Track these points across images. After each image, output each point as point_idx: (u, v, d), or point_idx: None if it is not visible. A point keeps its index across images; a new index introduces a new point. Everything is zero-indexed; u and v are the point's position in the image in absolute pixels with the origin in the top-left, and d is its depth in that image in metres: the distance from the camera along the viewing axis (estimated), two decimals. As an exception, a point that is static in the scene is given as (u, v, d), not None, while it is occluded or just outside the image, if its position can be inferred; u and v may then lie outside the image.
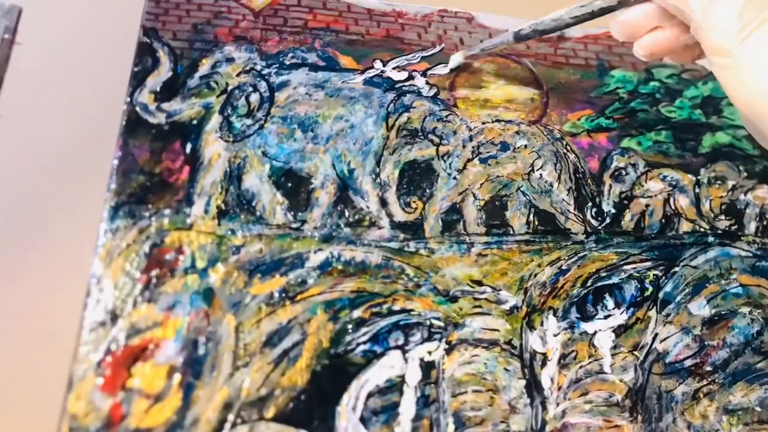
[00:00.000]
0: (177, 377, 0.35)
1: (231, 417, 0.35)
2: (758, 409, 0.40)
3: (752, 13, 0.33)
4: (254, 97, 0.42)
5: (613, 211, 0.44)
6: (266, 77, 0.43)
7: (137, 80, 0.41)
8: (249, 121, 0.42)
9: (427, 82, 0.45)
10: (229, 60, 0.43)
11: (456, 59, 0.45)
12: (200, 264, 0.37)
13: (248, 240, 0.39)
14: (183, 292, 0.37)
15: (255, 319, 0.37)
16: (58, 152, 0.41)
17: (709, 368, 0.41)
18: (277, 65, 0.44)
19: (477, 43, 0.46)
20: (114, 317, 0.35)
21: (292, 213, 0.40)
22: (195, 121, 0.41)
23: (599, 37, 0.49)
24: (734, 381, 0.41)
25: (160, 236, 0.38)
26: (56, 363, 0.35)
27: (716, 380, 0.41)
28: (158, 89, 0.41)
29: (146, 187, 0.39)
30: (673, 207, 0.45)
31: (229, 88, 0.42)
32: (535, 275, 0.41)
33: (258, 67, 0.43)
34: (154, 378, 0.35)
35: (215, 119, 0.41)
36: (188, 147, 0.40)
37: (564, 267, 0.41)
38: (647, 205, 0.45)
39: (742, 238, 0.45)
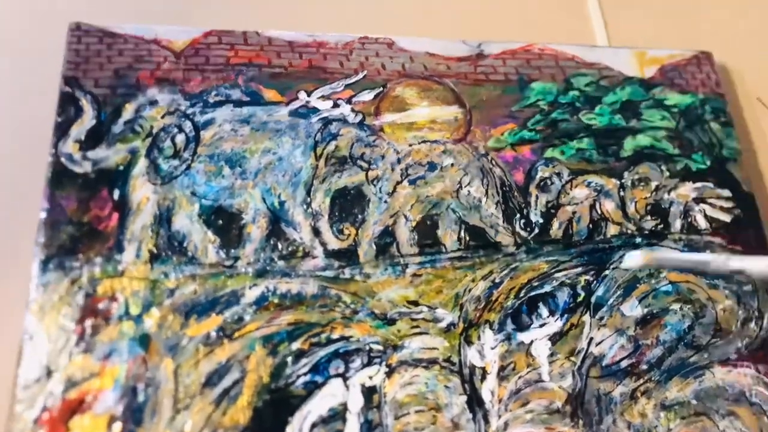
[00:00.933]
0: (117, 426, 0.35)
1: (174, 461, 0.35)
2: (694, 402, 0.42)
3: None
4: (180, 138, 0.43)
5: (541, 220, 0.45)
6: (191, 117, 0.43)
7: (61, 130, 0.41)
8: (176, 162, 0.42)
9: (353, 109, 0.46)
10: (153, 103, 0.43)
11: (635, 261, 0.39)
12: (134, 310, 0.37)
13: (182, 282, 0.39)
14: (119, 340, 0.37)
15: (193, 360, 0.37)
16: (-15, 209, 0.40)
17: (644, 367, 0.42)
18: (201, 104, 0.44)
19: (668, 253, 0.44)
20: (49, 372, 0.35)
21: (225, 250, 0.40)
22: (122, 167, 0.41)
23: (517, 51, 0.50)
24: (669, 377, 0.42)
25: (93, 285, 0.38)
26: (-9, 424, 0.34)
27: (652, 378, 0.42)
28: (83, 138, 0.41)
29: (75, 238, 0.39)
30: (599, 212, 0.46)
31: (155, 131, 0.43)
32: (470, 290, 0.42)
33: (182, 108, 0.44)
34: (94, 429, 0.35)
35: (142, 163, 0.41)
36: (116, 193, 0.40)
37: (497, 280, 0.42)
38: (574, 212, 0.46)
39: (668, 236, 0.46)
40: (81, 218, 0.39)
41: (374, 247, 0.42)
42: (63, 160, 0.41)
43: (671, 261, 0.40)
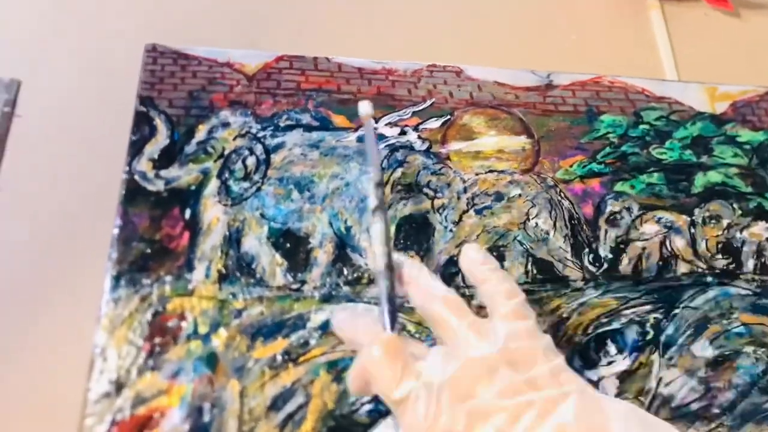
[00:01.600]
0: (183, 445, 0.35)
1: (238, 484, 0.35)
2: (769, 450, 0.40)
3: None
4: (251, 160, 0.43)
5: (610, 256, 0.44)
6: (262, 140, 0.44)
7: (135, 149, 0.42)
8: (246, 184, 0.42)
9: (420, 137, 0.46)
10: (225, 125, 0.44)
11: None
12: (203, 329, 0.38)
13: (249, 303, 0.39)
14: (186, 359, 0.37)
15: (259, 383, 0.37)
16: (59, 223, 0.41)
17: (716, 410, 0.41)
18: (272, 127, 0.44)
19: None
20: (119, 387, 0.36)
21: (292, 274, 0.40)
22: (193, 187, 0.42)
23: (586, 83, 0.50)
24: (743, 422, 0.40)
25: (162, 303, 0.38)
26: (62, 437, 0.35)
27: (724, 423, 0.40)
28: (156, 157, 0.42)
29: (147, 255, 0.39)
30: (669, 249, 0.45)
31: (226, 153, 0.43)
32: (537, 325, 0.41)
33: (253, 131, 0.44)
34: (161, 448, 0.35)
35: (213, 184, 0.42)
36: (187, 213, 0.41)
37: (564, 315, 0.42)
38: (644, 248, 0.45)
39: (740, 276, 0.45)
40: (153, 236, 0.40)
41: (439, 276, 0.42)
42: (137, 177, 0.41)
43: None
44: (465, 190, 0.45)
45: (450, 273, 0.42)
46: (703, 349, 0.42)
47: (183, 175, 0.42)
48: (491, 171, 0.46)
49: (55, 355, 0.38)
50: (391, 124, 0.46)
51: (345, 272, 0.41)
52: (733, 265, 0.45)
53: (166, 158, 0.42)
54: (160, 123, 0.43)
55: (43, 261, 0.40)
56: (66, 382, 0.36)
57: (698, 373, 0.41)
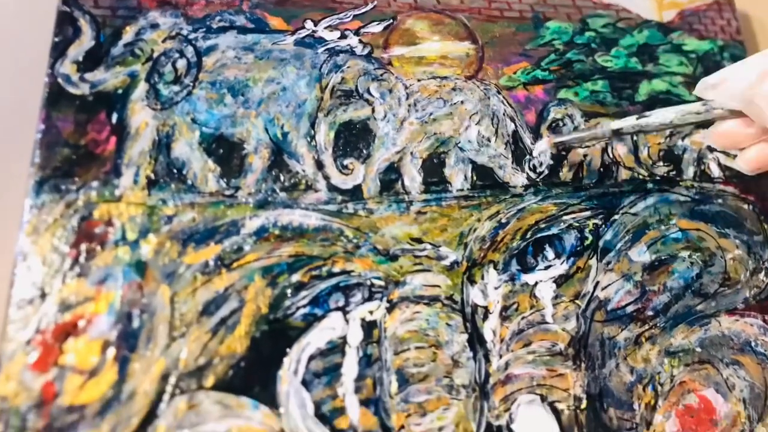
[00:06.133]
0: (111, 351, 0.34)
1: (169, 388, 0.34)
2: (698, 349, 0.41)
3: None
4: (181, 63, 0.41)
5: (551, 162, 0.44)
6: (193, 42, 0.42)
7: (58, 51, 0.40)
8: (176, 88, 0.40)
9: (361, 41, 0.44)
10: (154, 26, 0.42)
11: (541, 146, 0.43)
12: (131, 236, 0.36)
13: (180, 209, 0.38)
14: (114, 265, 0.36)
15: (190, 288, 0.36)
16: (-21, 129, 0.39)
17: (650, 313, 0.41)
18: (204, 29, 0.42)
19: (566, 133, 0.44)
20: (43, 294, 0.34)
21: (225, 180, 0.39)
22: (120, 91, 0.40)
23: (533, -12, 0.49)
24: (675, 324, 0.41)
25: (89, 209, 0.37)
26: (-17, 344, 0.33)
27: (657, 324, 0.41)
28: (81, 59, 0.40)
29: (72, 160, 0.37)
30: (611, 156, 0.45)
31: (155, 55, 0.41)
32: (475, 230, 0.41)
33: (184, 32, 0.42)
34: (88, 353, 0.34)
35: (141, 87, 0.40)
36: (114, 117, 0.39)
37: (503, 220, 0.41)
38: (585, 155, 0.44)
39: (680, 183, 0.45)
40: (78, 141, 0.38)
41: (379, 183, 0.41)
42: (60, 80, 0.39)
43: (574, 138, 0.43)
44: (407, 97, 0.44)
45: (389, 179, 0.41)
46: (641, 254, 0.42)
47: (109, 78, 0.40)
48: (434, 77, 0.45)
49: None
50: (331, 27, 0.44)
51: (281, 178, 0.40)
52: (674, 172, 0.45)
53: (91, 61, 0.40)
54: (84, 24, 0.41)
55: (-39, 167, 0.38)
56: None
57: (634, 277, 0.42)
